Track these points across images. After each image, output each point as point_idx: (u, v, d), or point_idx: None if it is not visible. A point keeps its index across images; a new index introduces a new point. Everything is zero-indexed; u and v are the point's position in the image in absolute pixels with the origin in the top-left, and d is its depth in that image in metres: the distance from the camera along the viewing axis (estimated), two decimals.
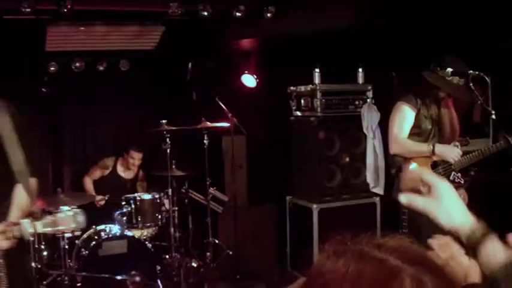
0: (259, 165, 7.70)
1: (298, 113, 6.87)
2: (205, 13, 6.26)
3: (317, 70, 6.57)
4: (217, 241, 6.90)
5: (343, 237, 1.13)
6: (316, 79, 6.59)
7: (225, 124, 6.71)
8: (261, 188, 7.59)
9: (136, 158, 7.16)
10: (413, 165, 5.13)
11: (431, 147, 5.03)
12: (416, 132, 5.19)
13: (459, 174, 5.08)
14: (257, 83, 7.63)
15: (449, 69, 4.90)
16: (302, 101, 6.76)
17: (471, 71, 4.88)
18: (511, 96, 8.32)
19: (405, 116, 5.15)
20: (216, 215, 7.02)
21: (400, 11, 6.31)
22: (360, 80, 6.86)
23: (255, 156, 7.75)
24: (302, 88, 6.77)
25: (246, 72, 7.67)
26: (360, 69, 6.80)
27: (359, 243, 1.13)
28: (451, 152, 5.04)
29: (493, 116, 4.89)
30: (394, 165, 5.33)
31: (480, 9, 5.97)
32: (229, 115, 6.74)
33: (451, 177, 5.04)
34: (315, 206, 6.41)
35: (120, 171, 7.29)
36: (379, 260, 1.06)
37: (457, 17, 6.24)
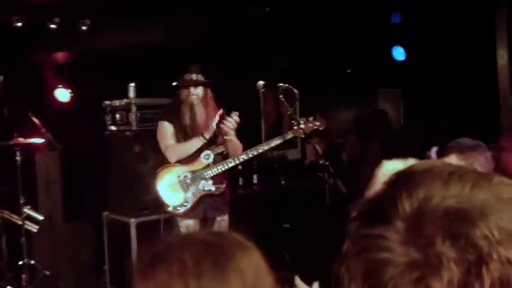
0: (74, 181, 7.64)
1: (113, 128, 6.95)
2: (19, 24, 6.17)
3: (132, 84, 6.71)
4: (33, 262, 6.75)
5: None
6: (131, 93, 6.73)
7: (39, 140, 6.63)
8: (77, 205, 7.55)
9: None
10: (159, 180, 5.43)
11: (198, 138, 5.35)
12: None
13: (210, 181, 5.38)
14: (72, 97, 7.60)
15: (194, 75, 5.44)
16: (117, 115, 6.84)
17: (281, 84, 5.31)
18: (316, 107, 9.02)
19: (165, 130, 5.50)
20: (31, 234, 6.89)
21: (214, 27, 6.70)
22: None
23: (70, 172, 7.68)
24: (117, 102, 6.87)
25: (60, 86, 7.61)
26: (175, 83, 7.00)
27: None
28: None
29: (302, 126, 5.36)
30: None
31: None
32: (43, 130, 6.67)
33: (200, 186, 5.36)
34: (132, 220, 6.48)
35: None
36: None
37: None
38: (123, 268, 6.28)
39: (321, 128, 5.52)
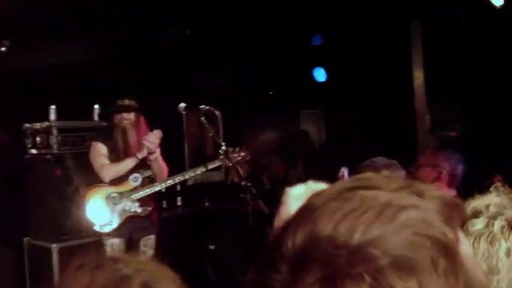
0: None
1: (34, 151, 6.84)
2: None
3: (52, 107, 6.63)
4: None
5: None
6: (52, 116, 6.64)
7: None
8: None
9: None
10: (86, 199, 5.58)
11: (135, 156, 5.50)
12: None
13: (137, 203, 5.56)
14: None
15: (127, 100, 5.68)
16: (38, 138, 6.74)
17: (202, 106, 5.36)
18: (239, 128, 9.10)
19: (99, 150, 5.66)
20: None
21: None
22: (96, 117, 7.08)
23: None
24: (37, 125, 6.77)
25: None
26: (96, 106, 7.02)
27: (100, 258, 1.36)
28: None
29: (223, 148, 5.41)
30: None
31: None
32: None
33: (126, 207, 5.53)
34: (54, 245, 6.37)
35: None
36: (114, 269, 1.27)
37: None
38: None
39: (246, 159, 5.78)
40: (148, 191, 5.55)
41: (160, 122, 7.98)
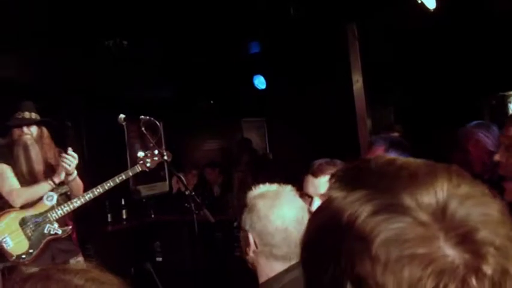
0: None
1: None
2: None
3: None
4: None
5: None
6: None
7: None
8: None
9: None
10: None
11: (47, 181, 5.00)
12: None
13: (56, 225, 5.03)
14: None
15: (27, 112, 5.09)
16: None
17: (142, 116, 5.26)
18: (180, 139, 9.06)
19: (4, 173, 5.06)
20: None
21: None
22: None
23: None
24: None
25: None
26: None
27: (44, 269, 1.27)
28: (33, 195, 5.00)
29: (166, 158, 5.33)
30: None
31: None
32: None
33: (45, 230, 5.00)
34: None
35: None
36: (64, 280, 1.21)
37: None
38: None
39: (168, 160, 5.36)
40: (67, 208, 5.03)
41: (101, 134, 7.94)
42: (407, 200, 0.78)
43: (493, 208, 0.80)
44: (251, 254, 2.36)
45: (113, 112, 5.45)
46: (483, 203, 0.80)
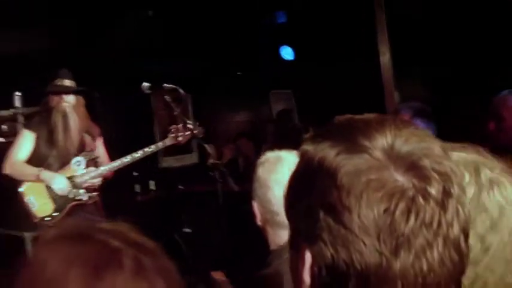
0: None
1: (1, 139, 6.70)
2: None
3: (17, 93, 6.51)
4: None
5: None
6: (17, 103, 6.54)
7: None
8: None
9: None
10: (24, 187, 5.06)
11: (38, 172, 4.98)
12: (36, 160, 5.11)
13: (82, 191, 5.04)
14: None
15: (66, 80, 5.12)
16: (3, 126, 6.64)
17: (166, 85, 5.23)
18: (208, 112, 9.07)
19: (21, 140, 5.12)
20: None
21: None
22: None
23: None
24: (2, 113, 6.68)
25: None
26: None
27: (80, 228, 1.18)
28: (55, 182, 4.98)
29: (196, 132, 5.30)
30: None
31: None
32: None
33: (71, 194, 5.01)
34: (26, 234, 6.21)
35: None
36: (100, 241, 1.11)
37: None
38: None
39: (200, 136, 5.37)
40: (95, 174, 5.07)
41: (128, 105, 7.97)
42: (363, 142, 0.94)
43: (435, 144, 0.96)
44: (259, 223, 2.36)
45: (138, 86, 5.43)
46: (425, 140, 0.96)
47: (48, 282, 1.05)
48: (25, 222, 6.35)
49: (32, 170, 4.99)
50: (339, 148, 0.94)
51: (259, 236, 2.47)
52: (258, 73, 9.48)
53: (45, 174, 4.97)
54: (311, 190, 0.96)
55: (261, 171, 2.35)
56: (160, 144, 5.26)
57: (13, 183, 5.16)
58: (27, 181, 5.03)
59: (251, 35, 8.36)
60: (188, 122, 5.35)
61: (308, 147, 1.00)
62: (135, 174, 8.09)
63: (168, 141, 5.25)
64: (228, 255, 6.74)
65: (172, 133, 5.25)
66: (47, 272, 1.05)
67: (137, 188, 8.40)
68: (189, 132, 5.27)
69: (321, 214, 0.93)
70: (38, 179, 4.97)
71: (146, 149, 5.16)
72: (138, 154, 5.14)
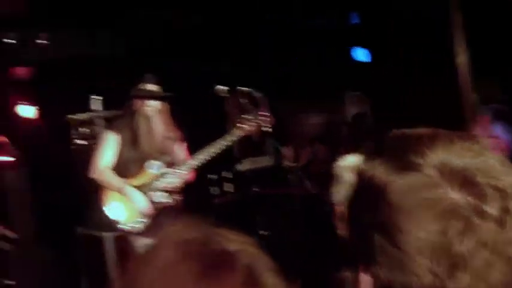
0: (44, 198, 7.55)
1: (80, 141, 6.98)
2: None
3: (95, 97, 6.71)
4: (9, 282, 6.65)
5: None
6: (95, 106, 6.73)
7: (8, 158, 6.54)
8: (48, 221, 7.44)
9: None
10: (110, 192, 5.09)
11: (122, 186, 5.03)
12: (119, 162, 5.16)
13: (162, 193, 5.07)
14: (36, 113, 7.52)
15: (151, 85, 5.12)
16: (82, 128, 6.90)
17: (240, 87, 5.23)
18: (283, 113, 9.08)
19: (106, 143, 5.15)
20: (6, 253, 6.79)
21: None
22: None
23: (39, 188, 7.59)
24: (81, 116, 6.92)
25: (22, 102, 7.49)
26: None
27: (200, 231, 1.16)
28: (135, 200, 5.01)
29: (248, 124, 5.23)
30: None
31: None
32: (10, 148, 6.58)
33: (152, 198, 5.05)
34: (106, 234, 6.34)
35: None
36: (217, 242, 1.12)
37: None
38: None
39: (271, 124, 5.29)
40: (173, 177, 5.07)
41: (200, 106, 8.02)
42: (414, 159, 0.92)
43: (493, 158, 0.93)
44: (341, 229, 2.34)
45: (210, 85, 5.46)
46: (482, 155, 0.93)
47: (160, 270, 1.05)
48: (105, 224, 6.53)
49: (117, 182, 5.05)
50: (389, 165, 0.94)
51: (336, 237, 2.47)
52: (332, 75, 9.42)
53: (128, 190, 5.01)
54: (364, 209, 0.96)
55: (346, 175, 2.34)
56: (230, 137, 5.19)
57: (96, 185, 5.26)
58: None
59: (324, 37, 8.34)
60: (258, 113, 5.28)
61: (362, 164, 1.00)
62: (212, 177, 8.17)
63: (237, 132, 5.19)
64: (305, 257, 6.73)
65: (240, 123, 5.20)
66: (159, 260, 1.06)
67: (214, 190, 8.48)
68: (257, 122, 5.22)
69: (374, 234, 0.92)
70: (121, 192, 5.02)
71: (217, 144, 5.11)
72: (212, 149, 5.10)
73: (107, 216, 5.73)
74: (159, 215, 5.03)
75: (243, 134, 5.23)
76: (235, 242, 1.14)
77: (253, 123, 5.22)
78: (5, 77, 7.65)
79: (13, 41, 6.40)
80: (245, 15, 7.21)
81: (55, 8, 6.27)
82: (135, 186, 5.05)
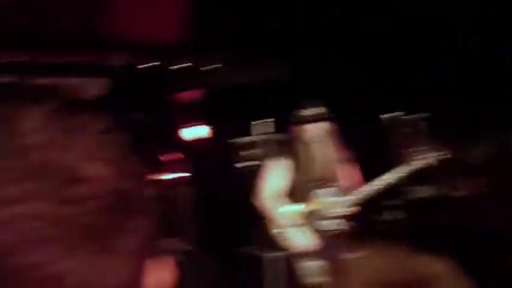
0: (209, 216, 7.75)
1: (241, 164, 7.13)
2: (150, 65, 6.48)
3: (255, 122, 6.98)
4: None
5: None
6: (256, 130, 6.98)
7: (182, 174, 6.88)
8: (213, 238, 7.62)
9: None
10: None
11: (283, 223, 4.94)
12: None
13: (336, 220, 4.95)
14: (205, 134, 7.78)
15: (313, 109, 4.97)
16: (244, 152, 7.06)
17: (405, 116, 5.09)
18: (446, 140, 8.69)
19: (275, 168, 5.03)
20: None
21: None
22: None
23: (204, 206, 7.74)
24: (244, 139, 7.10)
25: (191, 123, 7.77)
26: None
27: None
28: (298, 239, 4.92)
29: (425, 156, 5.00)
30: None
31: None
32: (180, 167, 6.93)
33: (325, 225, 4.94)
34: (266, 255, 6.35)
35: None
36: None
37: None
38: None
39: (447, 156, 5.02)
40: (343, 205, 4.93)
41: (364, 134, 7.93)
42: None
43: None
44: None
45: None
46: None
47: None
48: (268, 244, 6.59)
49: (278, 217, 4.97)
50: None
51: None
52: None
53: (290, 230, 4.94)
54: None
55: None
56: (408, 168, 4.99)
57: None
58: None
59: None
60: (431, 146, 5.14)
61: None
62: (383, 203, 8.01)
63: (417, 164, 4.99)
64: None
65: (417, 155, 4.99)
66: None
67: (385, 216, 8.32)
68: (433, 155, 4.99)
69: None
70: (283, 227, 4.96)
71: (394, 175, 4.97)
72: (390, 177, 4.96)
73: (270, 238, 5.66)
74: (329, 241, 4.92)
75: (421, 167, 5.01)
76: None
77: (429, 157, 5.02)
78: (181, 99, 8.03)
79: (188, 64, 6.66)
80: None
81: (228, 34, 6.49)
82: (302, 215, 4.97)
